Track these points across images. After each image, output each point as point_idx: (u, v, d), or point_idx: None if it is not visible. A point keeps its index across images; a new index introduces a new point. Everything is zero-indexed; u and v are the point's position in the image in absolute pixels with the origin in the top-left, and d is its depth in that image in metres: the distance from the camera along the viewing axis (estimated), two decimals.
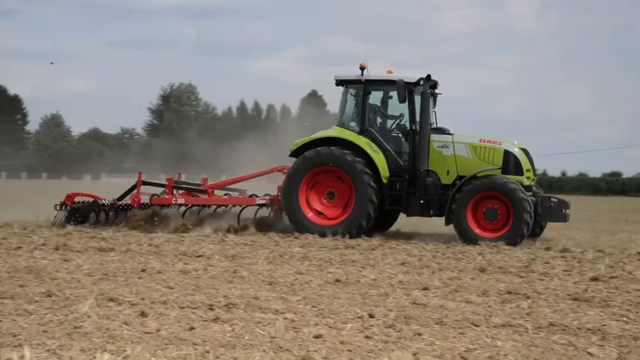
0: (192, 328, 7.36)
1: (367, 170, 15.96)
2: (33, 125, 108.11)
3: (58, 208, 17.42)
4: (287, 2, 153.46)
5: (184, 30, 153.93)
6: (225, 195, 18.25)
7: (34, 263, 11.26)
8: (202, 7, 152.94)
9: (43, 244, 13.52)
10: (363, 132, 16.47)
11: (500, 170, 15.84)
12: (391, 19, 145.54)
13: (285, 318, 7.86)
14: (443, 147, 16.23)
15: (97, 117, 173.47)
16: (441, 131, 16.53)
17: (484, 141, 16.19)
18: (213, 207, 17.79)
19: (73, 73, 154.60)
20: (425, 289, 9.82)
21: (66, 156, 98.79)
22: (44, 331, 7.15)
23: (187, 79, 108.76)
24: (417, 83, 16.24)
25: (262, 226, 16.66)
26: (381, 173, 16.12)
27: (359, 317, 8.02)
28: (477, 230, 15.38)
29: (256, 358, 6.35)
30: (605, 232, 19.90)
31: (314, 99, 76.78)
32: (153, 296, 8.86)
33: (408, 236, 16.26)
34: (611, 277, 11.04)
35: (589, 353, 6.86)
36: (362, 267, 11.70)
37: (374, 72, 16.67)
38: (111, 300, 8.60)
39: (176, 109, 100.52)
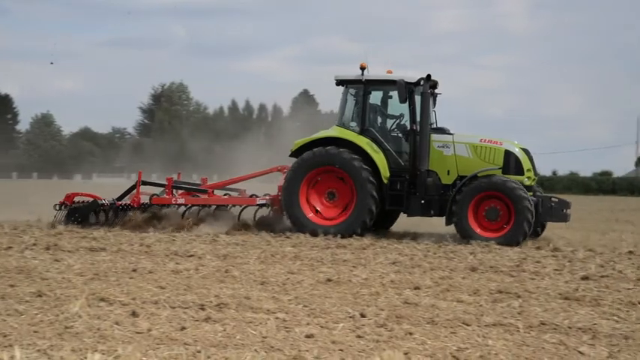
0: (183, 328, 7.35)
1: (365, 166, 15.92)
2: (23, 125, 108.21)
3: (57, 208, 17.27)
4: (278, 2, 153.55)
5: (176, 30, 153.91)
6: (225, 195, 18.24)
7: (24, 263, 11.22)
8: (194, 7, 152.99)
9: (34, 244, 13.46)
10: (363, 132, 16.46)
11: (500, 170, 15.82)
12: (383, 18, 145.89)
13: (277, 318, 7.86)
14: (443, 147, 16.23)
15: (88, 116, 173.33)
16: (442, 131, 16.53)
17: (485, 141, 16.18)
18: (213, 207, 17.76)
19: (64, 73, 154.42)
20: (416, 288, 9.83)
21: (56, 155, 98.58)
22: (35, 331, 7.13)
23: (179, 78, 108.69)
24: (417, 83, 16.24)
25: (262, 225, 16.65)
26: (382, 173, 16.09)
27: (350, 317, 8.02)
28: (478, 230, 15.35)
29: (248, 358, 6.34)
30: (595, 231, 19.92)
31: (305, 98, 76.88)
32: (144, 296, 8.85)
33: (399, 235, 16.27)
34: (602, 276, 11.07)
35: (580, 352, 6.88)
36: (353, 266, 11.70)
37: (373, 72, 16.67)
38: (102, 300, 8.58)
39: (167, 109, 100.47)
